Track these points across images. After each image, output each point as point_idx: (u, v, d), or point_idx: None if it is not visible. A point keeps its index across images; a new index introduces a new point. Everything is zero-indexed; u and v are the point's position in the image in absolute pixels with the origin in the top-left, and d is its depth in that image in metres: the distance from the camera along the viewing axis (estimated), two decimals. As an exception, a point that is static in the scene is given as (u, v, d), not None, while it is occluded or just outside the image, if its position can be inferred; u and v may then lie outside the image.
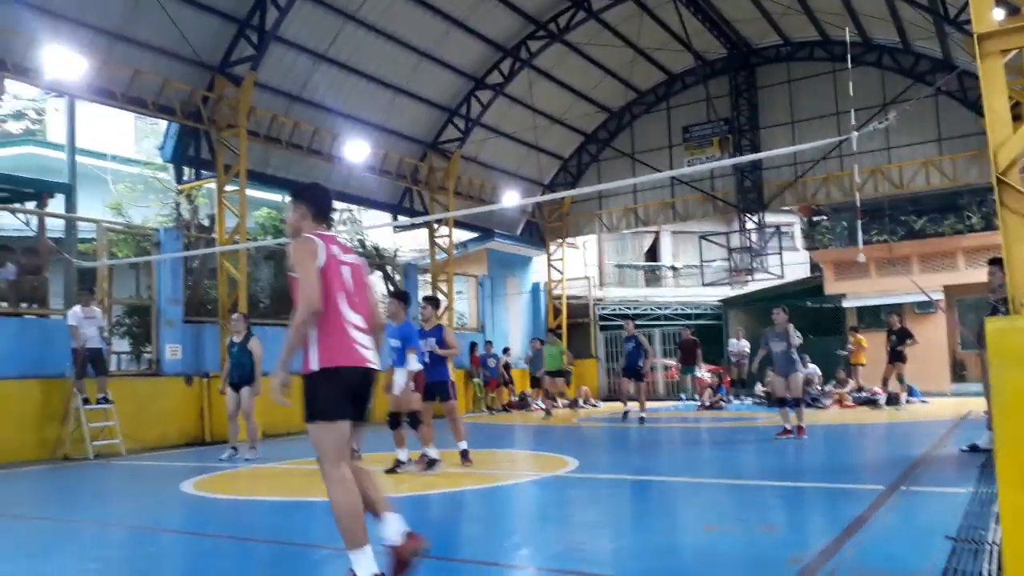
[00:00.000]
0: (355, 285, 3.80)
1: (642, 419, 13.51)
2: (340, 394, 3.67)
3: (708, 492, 6.84)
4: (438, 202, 18.79)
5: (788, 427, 9.90)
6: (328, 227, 3.96)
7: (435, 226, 18.94)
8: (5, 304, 11.20)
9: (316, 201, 3.99)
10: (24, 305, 11.52)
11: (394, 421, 8.03)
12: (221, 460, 9.77)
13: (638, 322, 23.78)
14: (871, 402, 15.68)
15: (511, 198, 19.94)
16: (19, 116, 27.10)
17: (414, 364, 7.85)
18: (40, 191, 14.80)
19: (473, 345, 19.15)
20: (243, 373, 9.97)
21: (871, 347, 16.63)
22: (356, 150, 16.27)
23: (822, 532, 4.82)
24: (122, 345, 15.71)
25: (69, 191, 15.33)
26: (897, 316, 15.70)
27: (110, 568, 4.64)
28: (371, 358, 3.77)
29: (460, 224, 20.43)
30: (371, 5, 15.18)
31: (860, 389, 16.52)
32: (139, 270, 14.80)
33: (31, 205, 14.35)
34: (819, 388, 16.78)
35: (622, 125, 22.50)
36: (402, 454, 7.97)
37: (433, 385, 8.29)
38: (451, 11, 16.36)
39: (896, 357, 14.77)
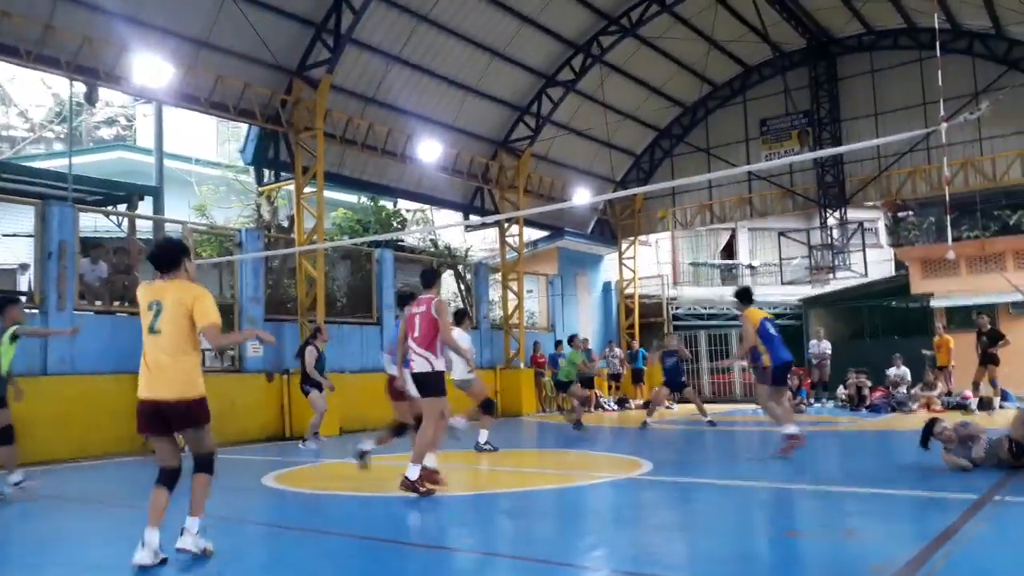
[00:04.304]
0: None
1: (712, 423, 13.30)
2: None
3: (788, 498, 6.64)
4: (508, 201, 18.82)
5: None
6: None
7: (505, 225, 18.98)
8: (99, 302, 11.73)
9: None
10: (116, 303, 12.04)
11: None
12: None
13: (714, 322, 23.43)
14: (961, 407, 14.95)
15: (582, 196, 19.81)
16: (111, 122, 28.47)
17: None
18: (130, 194, 15.52)
19: (536, 344, 19.14)
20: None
21: (961, 349, 15.86)
22: (428, 150, 16.45)
23: (909, 541, 4.61)
24: (205, 343, 16.28)
25: (157, 193, 16.01)
26: (988, 316, 14.94)
27: (197, 558, 4.80)
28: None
29: (530, 223, 20.42)
30: (443, 5, 15.32)
31: (949, 393, 15.79)
32: (222, 270, 15.31)
33: (122, 207, 15.06)
34: (906, 392, 16.11)
35: (696, 119, 22.09)
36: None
37: None
38: (522, 9, 16.36)
39: (988, 359, 14.05)
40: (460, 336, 9.80)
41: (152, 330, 4.52)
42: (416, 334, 6.64)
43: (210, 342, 4.66)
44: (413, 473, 6.38)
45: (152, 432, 4.57)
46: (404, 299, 7.41)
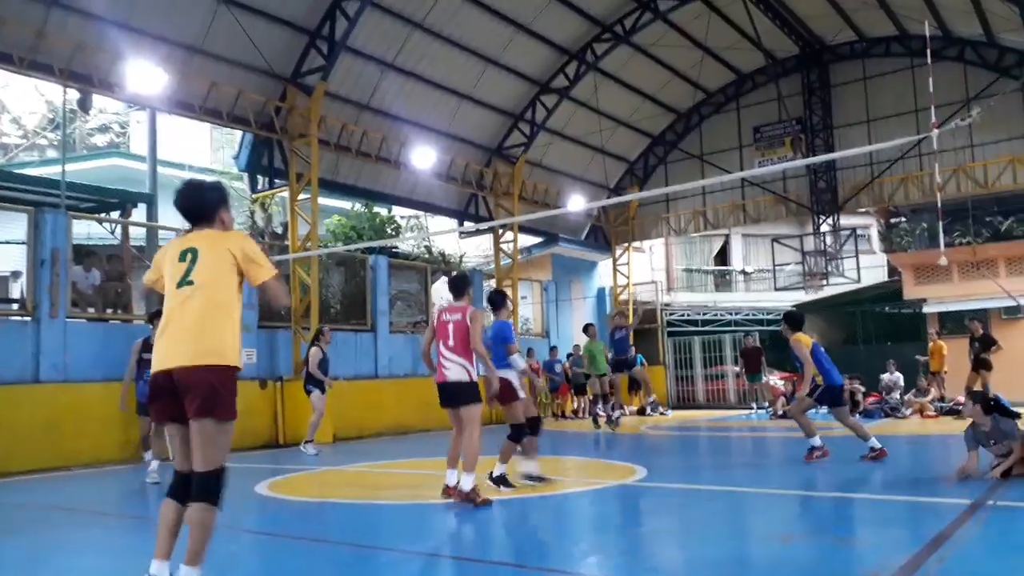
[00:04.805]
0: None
1: (611, 419, 13.40)
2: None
3: (782, 503, 6.65)
4: (503, 207, 18.85)
5: None
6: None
7: (500, 231, 19.01)
8: (91, 310, 11.69)
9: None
10: (109, 311, 12.00)
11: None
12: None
13: (708, 328, 23.47)
14: (954, 412, 15.00)
15: (576, 202, 19.85)
16: (104, 129, 28.45)
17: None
18: (124, 201, 15.51)
19: (529, 351, 19.09)
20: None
21: (954, 354, 15.92)
22: (423, 157, 16.47)
23: (903, 547, 4.62)
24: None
25: (150, 201, 15.99)
26: (980, 322, 15.00)
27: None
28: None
29: (525, 229, 20.44)
30: (438, 13, 15.36)
31: (943, 398, 15.84)
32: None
33: (115, 214, 15.03)
34: (899, 397, 16.16)
35: (690, 126, 22.17)
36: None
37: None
38: (516, 16, 16.42)
39: (980, 364, 14.10)
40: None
41: (183, 282, 3.48)
42: (451, 342, 6.46)
43: (276, 299, 3.69)
44: (467, 484, 6.16)
45: (166, 418, 3.50)
46: (495, 300, 7.47)
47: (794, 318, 8.91)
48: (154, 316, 8.41)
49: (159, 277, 3.63)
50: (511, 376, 7.05)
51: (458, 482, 6.39)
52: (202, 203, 3.67)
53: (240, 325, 3.55)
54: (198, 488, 3.37)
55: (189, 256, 3.50)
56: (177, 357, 3.35)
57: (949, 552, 4.35)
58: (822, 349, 8.74)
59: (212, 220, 3.66)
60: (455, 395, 6.47)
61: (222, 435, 3.40)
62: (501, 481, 6.90)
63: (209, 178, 23.67)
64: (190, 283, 3.46)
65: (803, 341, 8.52)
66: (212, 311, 3.43)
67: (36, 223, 10.72)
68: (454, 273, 7.78)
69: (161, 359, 3.41)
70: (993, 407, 6.98)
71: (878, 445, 8.48)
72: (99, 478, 9.32)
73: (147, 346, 8.25)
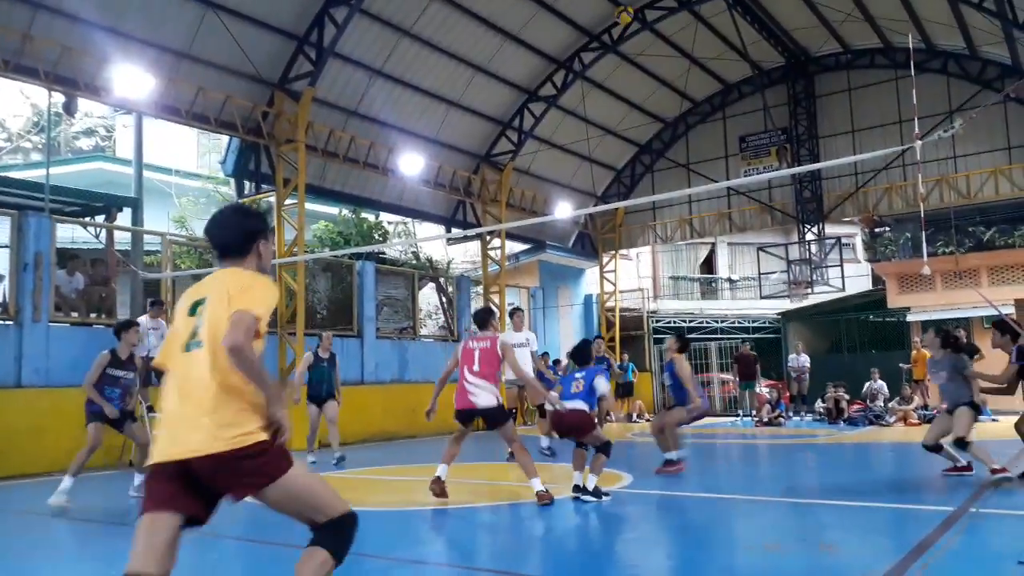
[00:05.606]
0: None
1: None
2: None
3: (767, 510, 6.67)
4: (490, 214, 18.87)
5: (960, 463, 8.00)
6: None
7: (487, 238, 19.02)
8: (74, 314, 11.60)
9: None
10: (92, 315, 11.91)
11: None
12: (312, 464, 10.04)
13: (694, 335, 23.57)
14: (937, 419, 15.12)
15: (563, 210, 19.91)
16: (90, 133, 28.26)
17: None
18: (109, 205, 15.38)
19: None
20: (331, 387, 10.59)
21: (937, 362, 16.06)
22: (411, 163, 16.45)
23: (887, 554, 4.66)
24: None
25: (136, 205, 15.87)
26: (963, 331, 15.15)
27: (174, 573, 4.74)
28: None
29: (512, 236, 20.46)
30: (426, 20, 15.38)
31: (926, 406, 15.97)
32: (201, 281, 15.17)
33: (100, 218, 14.92)
34: (883, 405, 16.29)
35: (677, 135, 22.30)
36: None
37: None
38: (505, 25, 16.47)
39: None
40: (512, 336, 10.52)
41: (190, 344, 2.72)
42: (476, 367, 6.78)
43: (228, 336, 2.57)
44: (538, 485, 6.57)
45: (159, 506, 2.69)
46: (579, 355, 7.53)
47: (685, 338, 9.39)
48: (122, 327, 8.12)
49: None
50: (585, 407, 7.11)
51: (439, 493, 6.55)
52: (230, 232, 2.92)
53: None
54: (319, 536, 2.86)
55: (200, 309, 2.74)
56: (187, 441, 2.59)
57: (933, 559, 4.39)
58: None
59: (244, 254, 2.91)
60: (490, 421, 6.84)
61: (297, 489, 2.89)
62: (597, 493, 6.84)
63: (194, 184, 23.43)
64: (198, 344, 2.68)
65: (686, 361, 8.91)
66: (226, 375, 2.63)
67: (20, 226, 10.64)
68: (477, 308, 8.22)
69: (161, 447, 2.65)
70: (952, 343, 7.80)
71: (675, 458, 8.62)
72: (81, 484, 9.21)
73: (114, 359, 7.77)
